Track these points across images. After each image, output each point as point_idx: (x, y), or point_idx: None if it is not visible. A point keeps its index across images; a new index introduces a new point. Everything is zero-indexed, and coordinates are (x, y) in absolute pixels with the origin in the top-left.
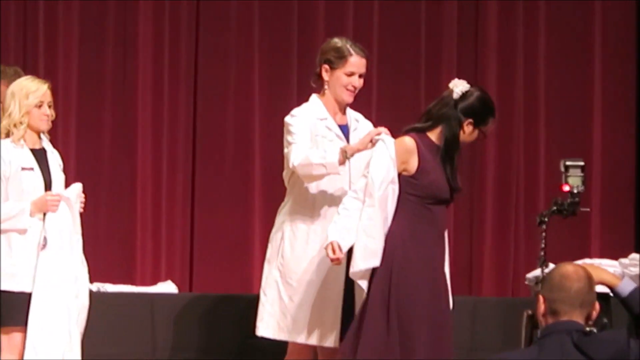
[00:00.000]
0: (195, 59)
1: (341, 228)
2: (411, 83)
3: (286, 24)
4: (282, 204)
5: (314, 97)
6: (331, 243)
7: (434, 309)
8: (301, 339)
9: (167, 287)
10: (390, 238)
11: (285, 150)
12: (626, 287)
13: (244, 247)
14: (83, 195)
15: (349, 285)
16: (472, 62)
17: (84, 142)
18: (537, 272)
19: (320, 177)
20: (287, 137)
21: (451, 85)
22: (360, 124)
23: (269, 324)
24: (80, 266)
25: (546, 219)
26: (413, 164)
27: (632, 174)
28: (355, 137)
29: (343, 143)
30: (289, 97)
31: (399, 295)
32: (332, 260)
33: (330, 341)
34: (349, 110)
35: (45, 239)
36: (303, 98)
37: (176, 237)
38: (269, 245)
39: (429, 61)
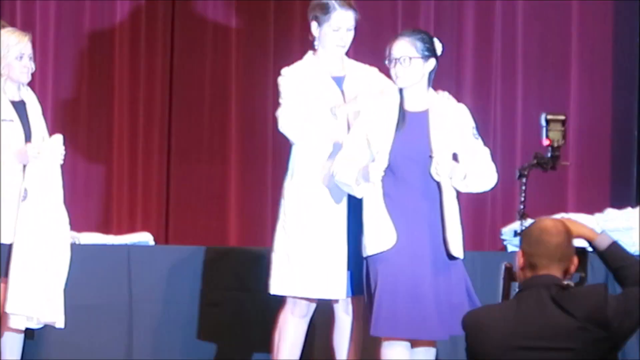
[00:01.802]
0: (173, 11)
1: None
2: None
3: None
4: None
5: (308, 54)
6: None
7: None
8: (311, 293)
9: (143, 237)
10: None
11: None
12: (604, 241)
13: (220, 199)
14: (62, 146)
15: (354, 232)
16: (450, 16)
17: (61, 94)
18: (513, 225)
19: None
20: (279, 98)
21: None
22: (358, 74)
23: (280, 281)
24: (60, 217)
25: (526, 173)
26: None
27: (608, 129)
28: (348, 87)
29: (337, 93)
30: (266, 50)
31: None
32: None
33: (339, 293)
34: (348, 61)
35: (25, 190)
36: (279, 53)
37: (152, 188)
38: None
39: (406, 14)
